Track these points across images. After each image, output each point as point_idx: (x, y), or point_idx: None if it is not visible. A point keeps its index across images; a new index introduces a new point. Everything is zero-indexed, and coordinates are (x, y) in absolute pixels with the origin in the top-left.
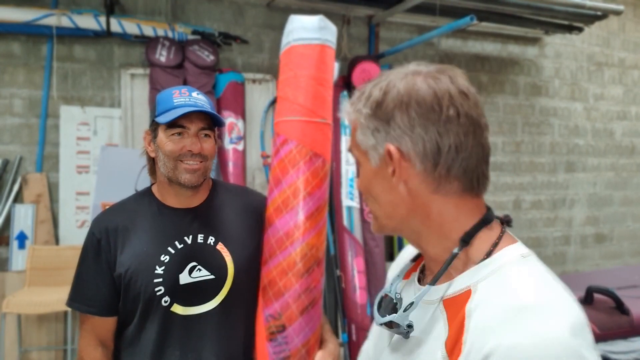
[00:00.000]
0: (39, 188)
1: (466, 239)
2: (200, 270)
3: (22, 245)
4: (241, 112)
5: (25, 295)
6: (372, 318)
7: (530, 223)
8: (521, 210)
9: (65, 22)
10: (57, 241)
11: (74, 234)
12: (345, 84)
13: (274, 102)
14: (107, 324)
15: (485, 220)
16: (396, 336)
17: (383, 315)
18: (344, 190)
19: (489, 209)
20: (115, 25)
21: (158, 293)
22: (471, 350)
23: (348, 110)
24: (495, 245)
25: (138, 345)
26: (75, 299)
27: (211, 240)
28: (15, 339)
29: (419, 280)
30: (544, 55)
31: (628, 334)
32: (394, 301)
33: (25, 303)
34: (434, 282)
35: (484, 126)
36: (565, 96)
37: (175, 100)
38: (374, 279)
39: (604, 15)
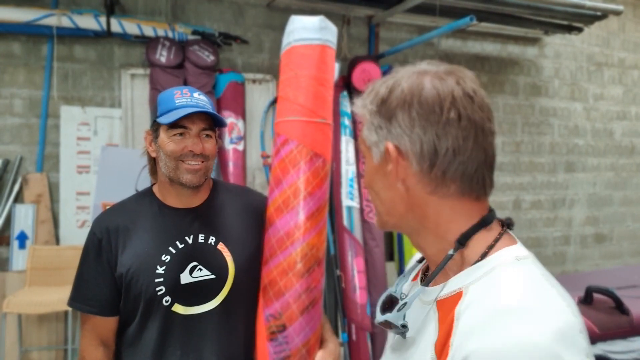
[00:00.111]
0: (39, 188)
1: (461, 241)
2: (201, 270)
3: (22, 245)
4: (241, 112)
5: (25, 295)
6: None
7: (530, 223)
8: (521, 210)
9: (65, 22)
10: (57, 241)
11: (75, 234)
12: (345, 84)
13: (274, 102)
14: (108, 324)
15: (484, 222)
16: (396, 336)
17: (383, 314)
18: (344, 190)
19: (491, 210)
20: (115, 26)
21: (159, 293)
22: (455, 353)
23: (358, 105)
24: (490, 247)
25: (139, 345)
26: (77, 298)
27: (212, 240)
28: (15, 339)
29: (421, 281)
30: (543, 55)
31: (628, 334)
32: (395, 300)
33: (26, 303)
34: (427, 283)
35: (488, 131)
36: (565, 96)
37: (177, 101)
38: (374, 279)
39: (603, 15)
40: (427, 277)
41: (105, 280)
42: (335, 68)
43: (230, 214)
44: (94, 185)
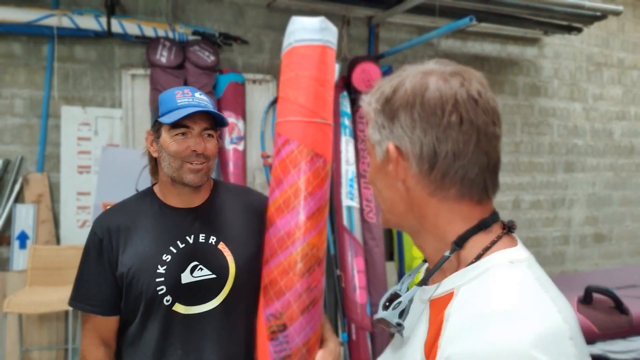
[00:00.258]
0: (40, 188)
1: (458, 243)
2: (201, 269)
3: (23, 245)
4: (241, 113)
5: (26, 295)
6: (372, 319)
7: (529, 223)
8: (520, 210)
9: (66, 22)
10: (58, 241)
11: (75, 233)
12: (345, 84)
13: (274, 102)
14: (109, 324)
15: (482, 224)
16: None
17: (383, 310)
18: (344, 190)
19: (494, 213)
20: (116, 26)
21: (160, 292)
22: (441, 355)
23: (364, 102)
24: (486, 249)
25: (140, 344)
26: (78, 298)
27: (213, 239)
28: (16, 339)
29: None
30: (543, 55)
31: (627, 334)
32: (397, 297)
33: (26, 303)
34: (422, 284)
35: (492, 135)
36: (564, 96)
37: (178, 101)
38: (374, 278)
39: (603, 15)
40: (424, 276)
41: (106, 280)
42: (336, 69)
43: (230, 214)
44: (94, 185)
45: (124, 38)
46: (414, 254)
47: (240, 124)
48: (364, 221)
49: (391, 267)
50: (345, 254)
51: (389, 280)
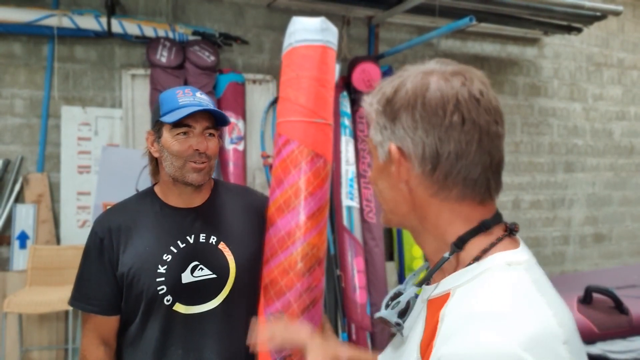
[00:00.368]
0: (40, 188)
1: (457, 244)
2: (202, 269)
3: (23, 245)
4: (241, 113)
5: (26, 294)
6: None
7: (529, 223)
8: (520, 210)
9: (66, 22)
10: (58, 241)
11: (75, 233)
12: (345, 84)
13: (274, 102)
14: (109, 323)
15: (482, 226)
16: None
17: (385, 309)
18: (344, 190)
19: (496, 215)
20: (116, 26)
21: (160, 292)
22: (434, 355)
23: (366, 103)
24: (485, 251)
25: (140, 344)
26: (78, 298)
27: (213, 239)
28: (16, 339)
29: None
30: (543, 55)
31: (627, 334)
32: (397, 299)
33: (27, 303)
34: (420, 284)
35: (494, 134)
36: (564, 96)
37: (180, 100)
38: (374, 278)
39: (603, 15)
40: (425, 276)
41: (107, 279)
42: (336, 69)
43: (231, 214)
44: (94, 185)
45: (124, 38)
46: (414, 254)
47: (240, 124)
48: (364, 221)
49: (391, 267)
50: (345, 254)
51: (389, 280)
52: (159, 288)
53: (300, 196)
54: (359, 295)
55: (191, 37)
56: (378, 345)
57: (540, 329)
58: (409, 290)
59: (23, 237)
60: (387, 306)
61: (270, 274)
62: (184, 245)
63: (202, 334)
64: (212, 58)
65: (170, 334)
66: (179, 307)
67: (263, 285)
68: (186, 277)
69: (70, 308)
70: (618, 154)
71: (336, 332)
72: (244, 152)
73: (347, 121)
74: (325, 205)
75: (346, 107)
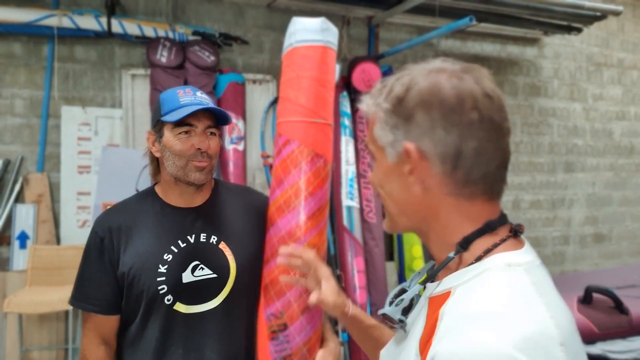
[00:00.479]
0: (40, 188)
1: (463, 244)
2: (203, 269)
3: (23, 245)
4: (241, 113)
5: (26, 294)
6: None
7: (529, 223)
8: (520, 210)
9: (66, 22)
10: (58, 241)
11: (75, 233)
12: (345, 84)
13: (274, 102)
14: (109, 323)
15: (487, 227)
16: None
17: (389, 305)
18: (344, 190)
19: (501, 215)
20: (116, 26)
21: (161, 292)
22: (430, 352)
23: (368, 103)
24: (487, 251)
25: (141, 344)
26: (78, 297)
27: (214, 239)
28: (16, 339)
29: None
30: (543, 55)
31: (627, 334)
32: (402, 296)
33: (27, 303)
34: (424, 282)
35: (506, 131)
36: (564, 96)
37: (181, 100)
38: (374, 278)
39: (603, 15)
40: (430, 275)
41: (107, 279)
42: (336, 69)
43: (231, 214)
44: (94, 185)
45: (124, 38)
46: (414, 254)
47: (240, 124)
48: (364, 221)
49: (391, 267)
50: (345, 254)
51: (389, 280)
52: (159, 287)
53: (300, 196)
54: (359, 295)
55: (191, 37)
56: None
57: (536, 330)
58: (413, 288)
59: (23, 237)
60: (390, 303)
61: (270, 274)
62: (185, 244)
63: (202, 333)
64: (212, 58)
65: (171, 333)
66: (180, 307)
67: (263, 285)
68: (187, 277)
69: (70, 308)
70: (618, 154)
71: (336, 332)
72: (244, 152)
73: (347, 121)
74: (326, 205)
75: (346, 107)
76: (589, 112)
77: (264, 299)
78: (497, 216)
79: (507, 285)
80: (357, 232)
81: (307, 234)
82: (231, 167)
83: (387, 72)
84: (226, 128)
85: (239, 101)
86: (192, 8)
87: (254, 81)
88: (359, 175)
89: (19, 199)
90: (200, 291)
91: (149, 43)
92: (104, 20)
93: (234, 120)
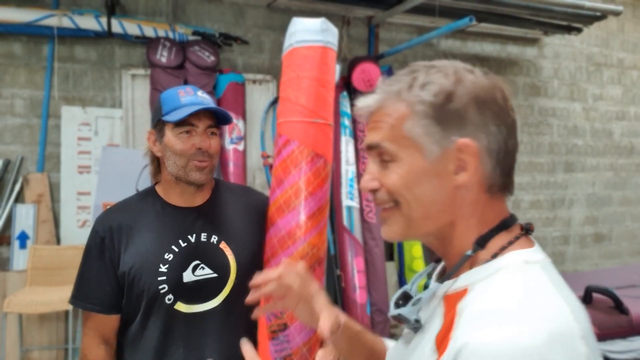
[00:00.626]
0: (40, 188)
1: (480, 242)
2: (203, 268)
3: (23, 245)
4: (241, 113)
5: (26, 294)
6: (371, 318)
7: None
8: (520, 210)
9: (66, 22)
10: (58, 241)
11: (75, 233)
12: (345, 84)
13: (274, 102)
14: (110, 322)
15: (504, 225)
16: (407, 329)
17: (396, 309)
18: (344, 190)
19: (512, 214)
20: (116, 26)
21: (162, 291)
22: (452, 345)
23: (389, 97)
24: (503, 248)
25: (141, 343)
26: (79, 297)
27: (214, 239)
28: (16, 339)
29: (437, 278)
30: (543, 55)
31: (627, 334)
32: (409, 297)
33: (27, 303)
34: (442, 280)
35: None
36: (564, 96)
37: (182, 99)
38: (374, 278)
39: (603, 15)
40: (445, 274)
41: (108, 278)
42: (336, 69)
43: (232, 213)
44: (94, 185)
45: (124, 38)
46: (414, 254)
47: (240, 124)
48: (364, 221)
49: (391, 267)
50: (345, 254)
51: (389, 280)
52: (160, 287)
53: (300, 196)
54: (359, 295)
55: (191, 37)
56: None
57: (560, 325)
58: (431, 287)
59: (23, 237)
60: (397, 305)
61: None
62: (186, 244)
63: (202, 333)
64: (212, 58)
65: (171, 333)
66: (180, 306)
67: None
68: (187, 276)
69: (70, 308)
70: (618, 154)
71: None
72: (244, 152)
73: (347, 121)
74: (326, 205)
75: (346, 107)
76: (589, 112)
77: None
78: (509, 214)
79: (528, 282)
80: (357, 232)
81: (307, 234)
82: (231, 167)
83: (387, 72)
84: (226, 128)
85: (239, 101)
86: (192, 8)
87: (254, 81)
88: (359, 175)
89: (19, 199)
90: (200, 291)
91: (149, 43)
92: (104, 20)
93: (234, 120)
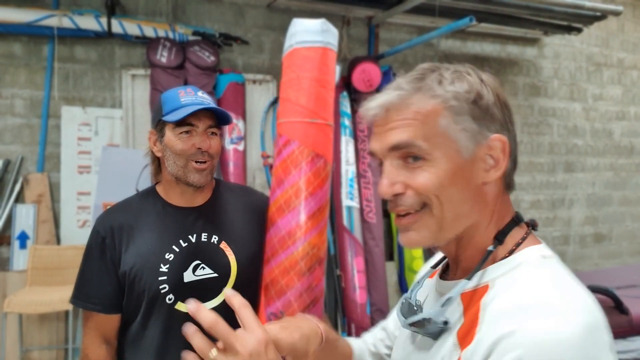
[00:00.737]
0: (40, 188)
1: (499, 238)
2: (204, 268)
3: (23, 245)
4: (241, 113)
5: (26, 294)
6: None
7: None
8: (520, 210)
9: (66, 22)
10: (58, 241)
11: (75, 233)
12: (346, 84)
13: (274, 102)
14: (111, 322)
15: (517, 219)
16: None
17: (406, 318)
18: (344, 190)
19: (517, 211)
20: (116, 26)
21: (162, 291)
22: (482, 338)
23: (428, 92)
24: (518, 244)
25: (142, 343)
26: (79, 296)
27: (215, 239)
28: (16, 339)
29: (440, 277)
30: (543, 55)
31: (627, 334)
32: (413, 306)
33: (27, 303)
34: (470, 277)
35: None
36: (564, 96)
37: (182, 99)
38: (374, 278)
39: (603, 15)
40: (451, 273)
41: (109, 278)
42: (336, 70)
43: (232, 213)
44: (94, 185)
45: (124, 38)
46: (414, 254)
47: (240, 124)
48: (364, 221)
49: (391, 267)
50: (345, 254)
51: (389, 280)
52: (161, 287)
53: (300, 196)
54: (359, 295)
55: (191, 37)
56: None
57: (591, 317)
58: (459, 286)
59: (23, 237)
60: (408, 314)
61: (271, 274)
62: (186, 244)
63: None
64: (212, 58)
65: (172, 332)
66: (181, 306)
67: (264, 284)
68: (188, 276)
69: (71, 308)
70: (618, 154)
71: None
72: (244, 152)
73: (347, 121)
74: (326, 205)
75: (346, 107)
76: (589, 112)
77: (265, 298)
78: (515, 210)
79: (555, 276)
80: (357, 232)
81: (307, 234)
82: (231, 167)
83: (387, 72)
84: (226, 128)
85: (239, 101)
86: (192, 8)
87: (254, 81)
88: (359, 175)
89: (19, 199)
90: (201, 290)
91: (149, 43)
92: (104, 20)
93: (234, 120)
